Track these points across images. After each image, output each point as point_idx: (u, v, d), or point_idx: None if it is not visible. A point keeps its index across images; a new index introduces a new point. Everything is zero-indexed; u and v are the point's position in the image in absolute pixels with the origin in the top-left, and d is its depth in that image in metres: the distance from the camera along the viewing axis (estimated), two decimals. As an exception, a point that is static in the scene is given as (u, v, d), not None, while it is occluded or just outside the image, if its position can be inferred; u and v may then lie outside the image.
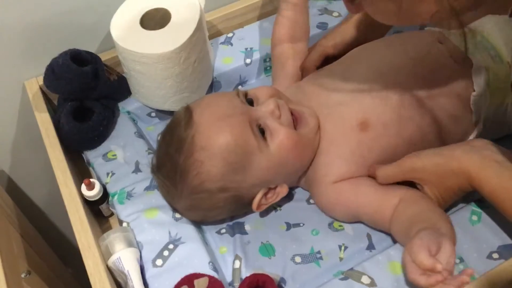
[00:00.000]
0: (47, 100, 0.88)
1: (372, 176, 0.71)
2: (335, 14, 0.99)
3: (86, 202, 0.76)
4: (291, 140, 0.70)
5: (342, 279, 0.66)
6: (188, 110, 0.71)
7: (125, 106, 0.89)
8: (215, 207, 0.72)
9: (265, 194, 0.73)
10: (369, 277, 0.66)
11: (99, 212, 0.79)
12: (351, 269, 0.67)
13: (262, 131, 0.70)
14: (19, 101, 0.90)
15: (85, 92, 0.81)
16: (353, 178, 0.72)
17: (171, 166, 0.70)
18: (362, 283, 0.65)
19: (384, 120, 0.71)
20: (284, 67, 0.85)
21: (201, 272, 0.67)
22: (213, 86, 0.92)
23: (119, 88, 0.87)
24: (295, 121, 0.73)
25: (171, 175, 0.71)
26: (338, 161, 0.73)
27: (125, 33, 0.79)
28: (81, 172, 0.85)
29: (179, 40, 0.78)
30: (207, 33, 0.89)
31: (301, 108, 0.75)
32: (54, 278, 1.02)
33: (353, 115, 0.72)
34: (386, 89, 0.71)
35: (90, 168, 0.83)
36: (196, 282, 0.63)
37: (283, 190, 0.73)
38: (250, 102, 0.73)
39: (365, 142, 0.72)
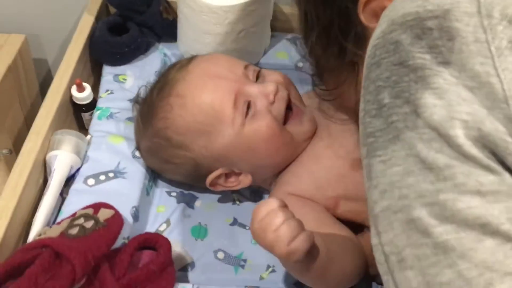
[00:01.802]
0: (106, 11, 0.90)
1: (330, 208, 0.63)
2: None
3: (73, 104, 0.76)
4: (270, 130, 0.64)
5: (242, 292, 0.59)
6: (191, 58, 0.69)
7: (166, 48, 0.88)
8: (172, 162, 0.68)
9: (227, 176, 0.67)
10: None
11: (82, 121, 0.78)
12: (256, 287, 0.60)
13: (248, 107, 0.65)
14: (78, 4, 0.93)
15: (131, 11, 0.82)
16: (309, 201, 0.64)
17: (147, 102, 0.68)
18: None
19: None
20: None
21: (120, 211, 0.63)
22: (254, 70, 0.89)
23: (168, 28, 0.86)
24: (290, 116, 0.67)
25: (144, 110, 0.68)
26: (308, 179, 0.66)
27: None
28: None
29: (230, 1, 0.76)
30: (271, 16, 0.86)
31: (307, 110, 0.69)
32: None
33: (351, 151, 0.65)
34: None
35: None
36: (102, 210, 0.59)
37: (245, 180, 0.67)
38: (257, 79, 0.69)
39: (347, 181, 0.64)
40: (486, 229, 0.33)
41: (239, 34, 0.80)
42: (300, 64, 0.89)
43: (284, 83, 0.69)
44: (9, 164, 0.89)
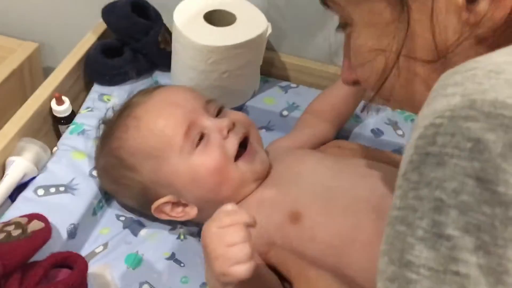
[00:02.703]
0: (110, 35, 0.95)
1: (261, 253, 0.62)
2: (399, 132, 0.89)
3: (53, 116, 0.80)
4: (216, 164, 0.64)
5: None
6: (159, 86, 0.72)
7: (160, 76, 0.91)
8: (122, 183, 0.69)
9: (174, 205, 0.68)
10: None
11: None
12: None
13: (201, 138, 0.66)
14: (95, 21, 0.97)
15: (127, 37, 0.86)
16: None
17: (108, 122, 0.71)
18: None
19: (317, 224, 0.62)
20: (298, 131, 0.80)
21: (56, 226, 0.65)
22: (240, 110, 0.90)
23: (164, 58, 0.89)
24: (244, 154, 0.67)
25: (105, 129, 0.71)
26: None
27: (185, 13, 0.82)
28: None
29: (215, 42, 0.78)
30: (260, 62, 0.87)
31: (260, 149, 0.69)
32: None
33: (289, 205, 0.65)
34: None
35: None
36: (34, 221, 0.61)
37: (191, 213, 0.68)
38: (218, 115, 0.70)
39: (284, 231, 0.63)
40: None
41: (223, 74, 0.81)
42: (285, 113, 0.89)
43: (244, 123, 0.70)
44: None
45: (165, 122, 0.66)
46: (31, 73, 0.99)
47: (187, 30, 0.79)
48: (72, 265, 0.60)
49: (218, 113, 0.70)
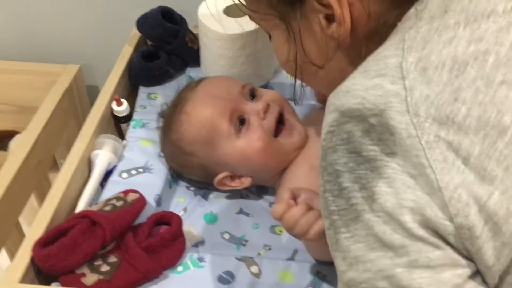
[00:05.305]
0: (144, 42, 1.08)
1: None
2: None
3: (114, 117, 0.94)
4: (260, 143, 0.77)
5: (238, 259, 0.73)
6: (200, 80, 0.85)
7: (192, 71, 1.05)
8: (186, 165, 0.83)
9: (232, 178, 0.82)
10: (259, 269, 0.71)
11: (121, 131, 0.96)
12: (250, 257, 0.73)
13: (242, 122, 0.78)
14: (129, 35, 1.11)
15: (161, 42, 1.00)
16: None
17: (166, 117, 0.85)
18: (250, 270, 0.71)
19: None
20: None
21: (145, 197, 0.79)
22: (266, 87, 1.03)
23: (194, 55, 1.03)
24: (282, 129, 0.80)
25: (164, 123, 0.85)
26: (303, 176, 0.78)
27: (208, 12, 0.96)
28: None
29: (238, 30, 0.92)
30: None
31: (296, 123, 0.82)
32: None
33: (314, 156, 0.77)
34: None
35: (137, 100, 1.00)
36: (130, 194, 0.75)
37: (246, 182, 0.81)
38: (254, 97, 0.82)
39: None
40: None
41: (248, 57, 0.95)
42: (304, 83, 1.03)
43: (277, 100, 0.82)
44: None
45: (210, 114, 0.78)
46: (78, 91, 1.13)
47: (214, 25, 0.93)
48: (169, 221, 0.74)
49: (253, 94, 0.82)
